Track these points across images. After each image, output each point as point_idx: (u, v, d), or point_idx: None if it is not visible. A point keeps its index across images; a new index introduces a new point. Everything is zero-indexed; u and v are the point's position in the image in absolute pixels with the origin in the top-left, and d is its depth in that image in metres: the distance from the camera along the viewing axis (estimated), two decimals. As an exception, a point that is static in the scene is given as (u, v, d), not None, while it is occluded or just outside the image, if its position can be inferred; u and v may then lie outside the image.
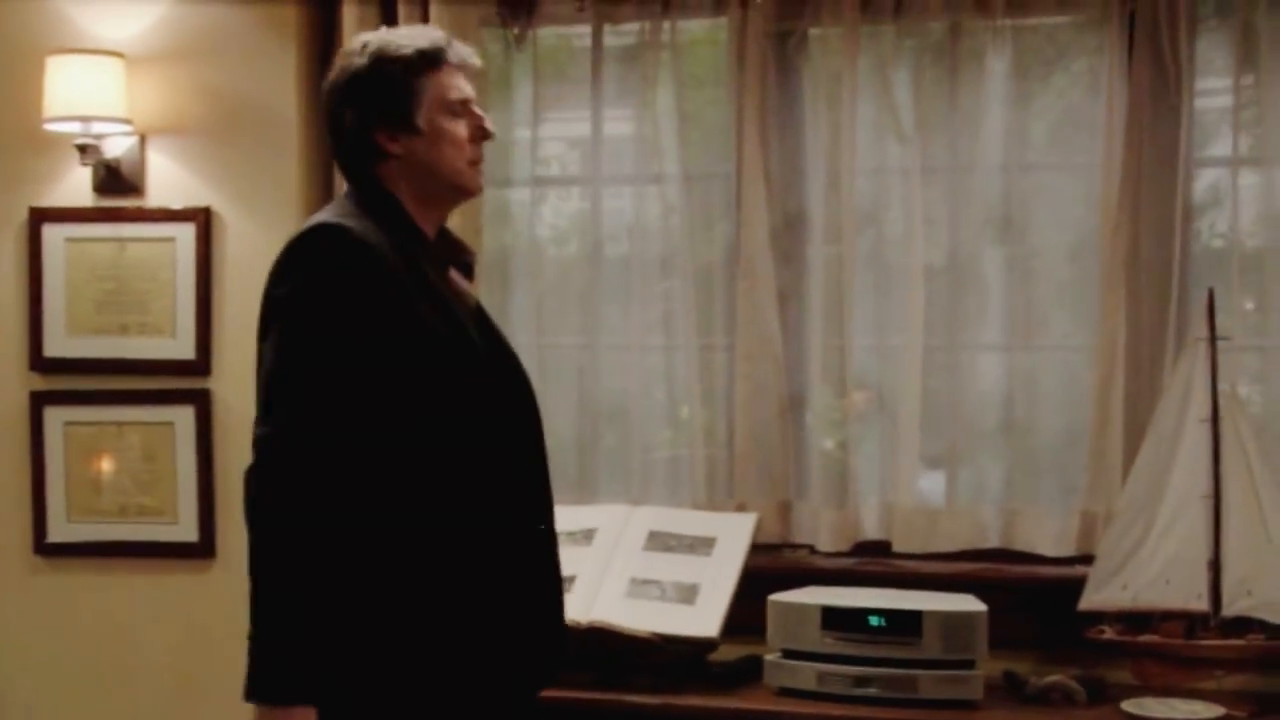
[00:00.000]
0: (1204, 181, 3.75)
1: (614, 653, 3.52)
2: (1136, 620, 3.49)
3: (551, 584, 2.69)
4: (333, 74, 2.69)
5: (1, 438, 4.30)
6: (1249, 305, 3.64)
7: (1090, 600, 3.55)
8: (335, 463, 2.40)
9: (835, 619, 3.45)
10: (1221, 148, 3.71)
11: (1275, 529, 3.36)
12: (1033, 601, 3.72)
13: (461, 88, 2.67)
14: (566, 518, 3.72)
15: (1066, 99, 3.88)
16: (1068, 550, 3.77)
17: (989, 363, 3.88)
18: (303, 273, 2.48)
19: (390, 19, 4.03)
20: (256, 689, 2.37)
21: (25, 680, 4.29)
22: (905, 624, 3.40)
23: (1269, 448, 3.54)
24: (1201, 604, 3.40)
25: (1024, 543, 3.84)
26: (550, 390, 4.09)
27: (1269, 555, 3.34)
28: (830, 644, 3.44)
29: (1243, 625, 3.38)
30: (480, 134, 2.69)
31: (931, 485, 3.93)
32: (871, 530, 3.95)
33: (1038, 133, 3.88)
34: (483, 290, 4.03)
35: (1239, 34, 3.65)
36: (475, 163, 2.69)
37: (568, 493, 4.03)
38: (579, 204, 4.22)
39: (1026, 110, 3.84)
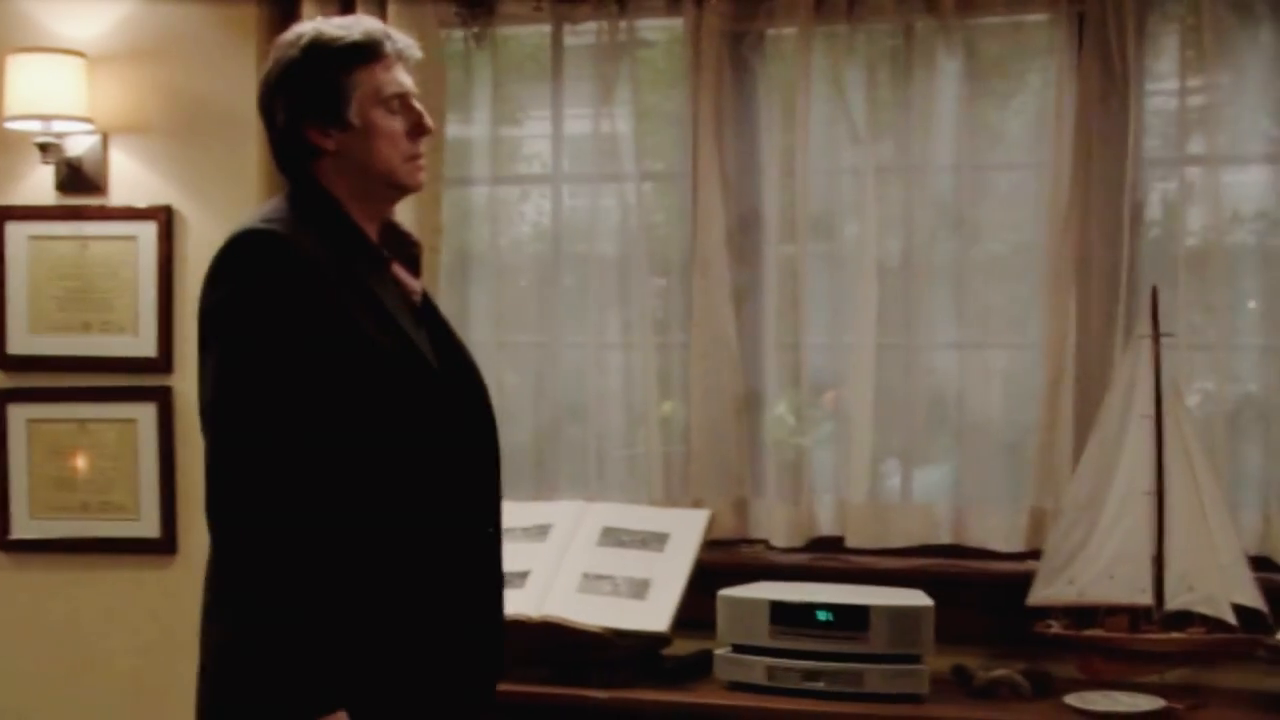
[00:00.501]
0: (1155, 181, 3.78)
1: (567, 648, 3.56)
2: (1083, 615, 3.53)
3: (494, 588, 2.70)
4: (266, 66, 2.62)
5: (-35, 435, 4.33)
6: (1196, 304, 3.68)
7: (1038, 595, 3.59)
8: (290, 474, 2.39)
9: (784, 614, 3.48)
10: (1171, 149, 3.74)
11: (1216, 525, 3.40)
12: (984, 597, 3.76)
13: (399, 81, 2.59)
14: (522, 514, 3.80)
15: (1018, 100, 3.91)
16: (1018, 546, 3.81)
17: (942, 361, 3.91)
18: (231, 284, 2.45)
19: (349, 19, 4.06)
20: (282, 708, 2.36)
21: (-11, 675, 4.33)
22: (852, 619, 3.43)
23: (1212, 444, 3.58)
24: (1145, 598, 3.44)
25: (976, 539, 3.88)
26: (510, 388, 4.14)
27: (1210, 550, 3.38)
28: (779, 639, 3.47)
29: (1186, 619, 3.42)
30: (418, 129, 2.61)
31: (885, 482, 3.96)
32: (826, 526, 3.99)
33: (989, 133, 3.91)
34: (443, 288, 4.09)
35: (1186, 35, 3.68)
36: (413, 158, 2.62)
37: (527, 489, 4.08)
38: (539, 202, 4.25)
39: (978, 111, 3.88)
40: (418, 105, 2.63)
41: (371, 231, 2.65)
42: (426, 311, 2.71)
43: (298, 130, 2.57)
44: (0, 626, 4.33)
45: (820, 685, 3.42)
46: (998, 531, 3.84)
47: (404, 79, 2.61)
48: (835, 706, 3.38)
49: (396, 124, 2.59)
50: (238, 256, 2.47)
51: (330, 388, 2.43)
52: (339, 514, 2.43)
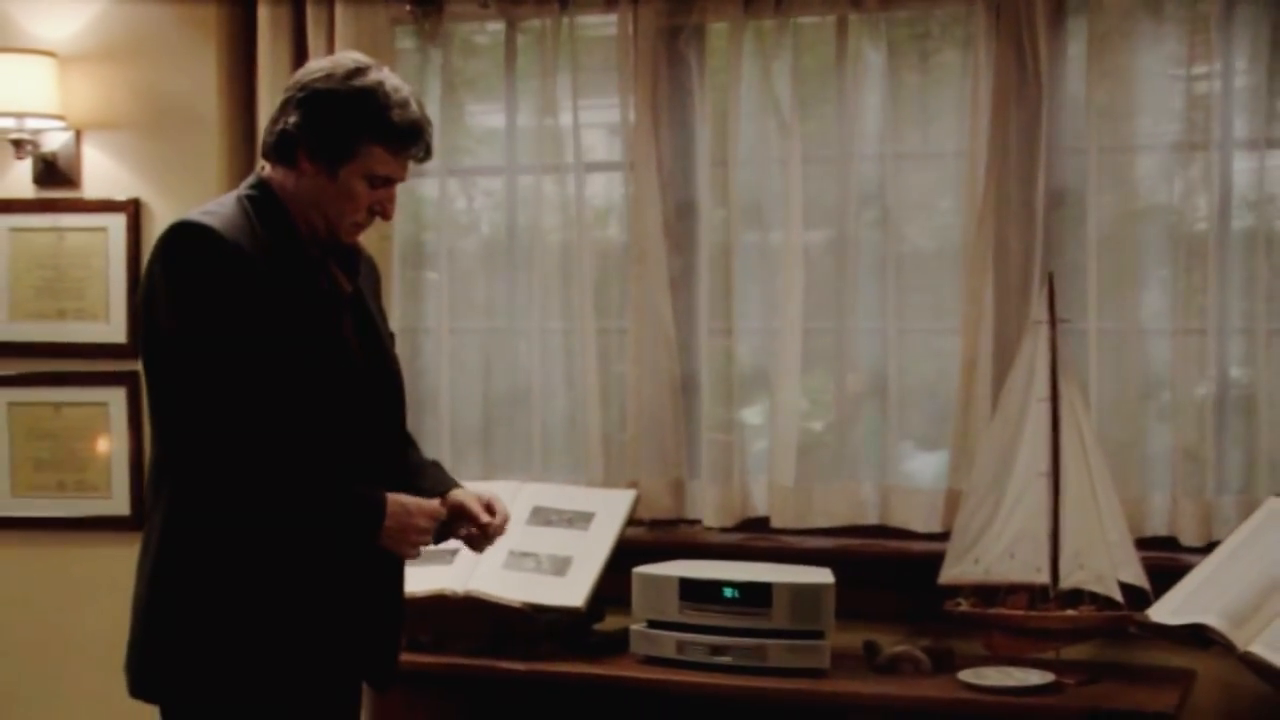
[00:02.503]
0: (1066, 168, 3.86)
1: (490, 622, 3.71)
2: (990, 593, 3.63)
3: (393, 566, 2.86)
4: (315, 71, 2.74)
5: (-50, 418, 4.57)
6: (1106, 289, 3.76)
7: (948, 574, 3.68)
8: (242, 450, 2.61)
9: (692, 591, 3.61)
10: (1082, 137, 3.81)
11: (1106, 506, 3.48)
12: (901, 576, 3.86)
13: (396, 170, 2.74)
14: (457, 494, 3.95)
15: (938, 90, 4.00)
16: (935, 527, 3.90)
17: (868, 345, 4.01)
18: (164, 271, 2.63)
19: (301, 19, 4.23)
20: None
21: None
22: (756, 596, 3.55)
23: (1105, 427, 3.67)
24: (1042, 577, 3.53)
25: (898, 519, 3.98)
26: (457, 373, 4.29)
27: (1099, 530, 3.46)
28: (688, 614, 3.60)
29: (1081, 597, 3.51)
30: (379, 213, 2.77)
31: (813, 464, 4.06)
32: (759, 507, 4.10)
33: (911, 122, 4.00)
34: (395, 276, 4.25)
35: (1094, 24, 3.76)
36: (360, 226, 2.78)
37: (474, 470, 4.24)
38: (486, 194, 4.40)
39: (900, 100, 3.96)
40: (393, 193, 2.78)
41: (313, 238, 2.77)
42: (356, 306, 2.84)
43: (293, 141, 2.71)
44: (-15, 600, 4.56)
45: (727, 659, 3.54)
46: (918, 513, 3.94)
47: (402, 170, 2.76)
48: (740, 680, 3.51)
49: (366, 196, 2.73)
50: (170, 246, 2.65)
51: (252, 366, 2.60)
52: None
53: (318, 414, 2.68)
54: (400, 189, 4.15)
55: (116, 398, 4.43)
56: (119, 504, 4.45)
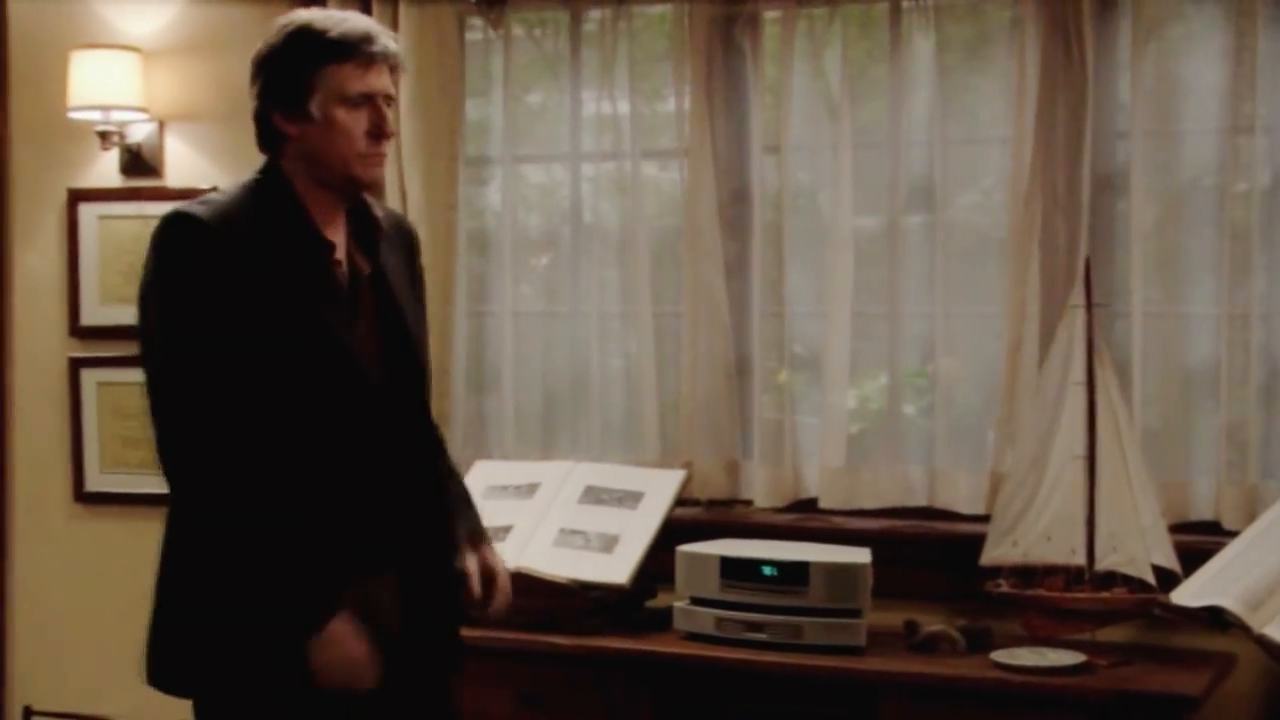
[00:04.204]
0: (1113, 154, 3.86)
1: (540, 596, 3.82)
2: (1028, 575, 3.66)
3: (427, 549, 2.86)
4: (257, 48, 2.78)
5: (45, 398, 4.80)
6: (1143, 272, 3.77)
7: (988, 556, 3.72)
8: (215, 437, 2.63)
9: (733, 569, 3.69)
10: (1125, 121, 3.82)
11: (1139, 489, 3.50)
12: (947, 557, 3.90)
13: (367, 82, 2.70)
14: (514, 473, 4.09)
15: (986, 76, 4.02)
16: (980, 508, 3.94)
17: (915, 329, 4.05)
18: (153, 261, 2.69)
19: (367, 12, 4.36)
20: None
21: (64, 617, 4.79)
22: (794, 575, 3.62)
23: (1150, 412, 3.68)
24: (1078, 559, 3.56)
25: (944, 501, 4.02)
26: (520, 355, 4.41)
27: (1133, 513, 3.48)
28: (728, 592, 3.68)
29: (1115, 580, 3.53)
30: (377, 131, 2.72)
31: (863, 446, 4.12)
32: (810, 489, 4.17)
33: (959, 109, 4.02)
34: (460, 261, 4.37)
35: (1137, 8, 3.76)
36: (368, 156, 2.73)
37: (533, 451, 4.36)
38: (547, 180, 4.51)
39: (949, 87, 3.99)
40: (383, 107, 2.74)
41: (329, 217, 2.78)
42: (377, 286, 2.84)
43: (268, 114, 2.75)
44: (75, 570, 4.78)
45: (763, 636, 3.62)
46: (962, 495, 3.97)
47: (376, 81, 2.72)
48: (777, 656, 3.58)
49: (356, 122, 2.71)
50: (160, 236, 2.71)
51: (233, 360, 2.64)
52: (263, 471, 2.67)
53: (310, 409, 2.68)
54: (464, 174, 4.35)
55: (198, 378, 4.62)
56: (200, 480, 4.63)
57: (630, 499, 3.99)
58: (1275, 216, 3.71)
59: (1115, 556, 3.50)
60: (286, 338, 2.67)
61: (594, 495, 4.03)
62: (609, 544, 3.89)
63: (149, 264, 2.71)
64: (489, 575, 2.95)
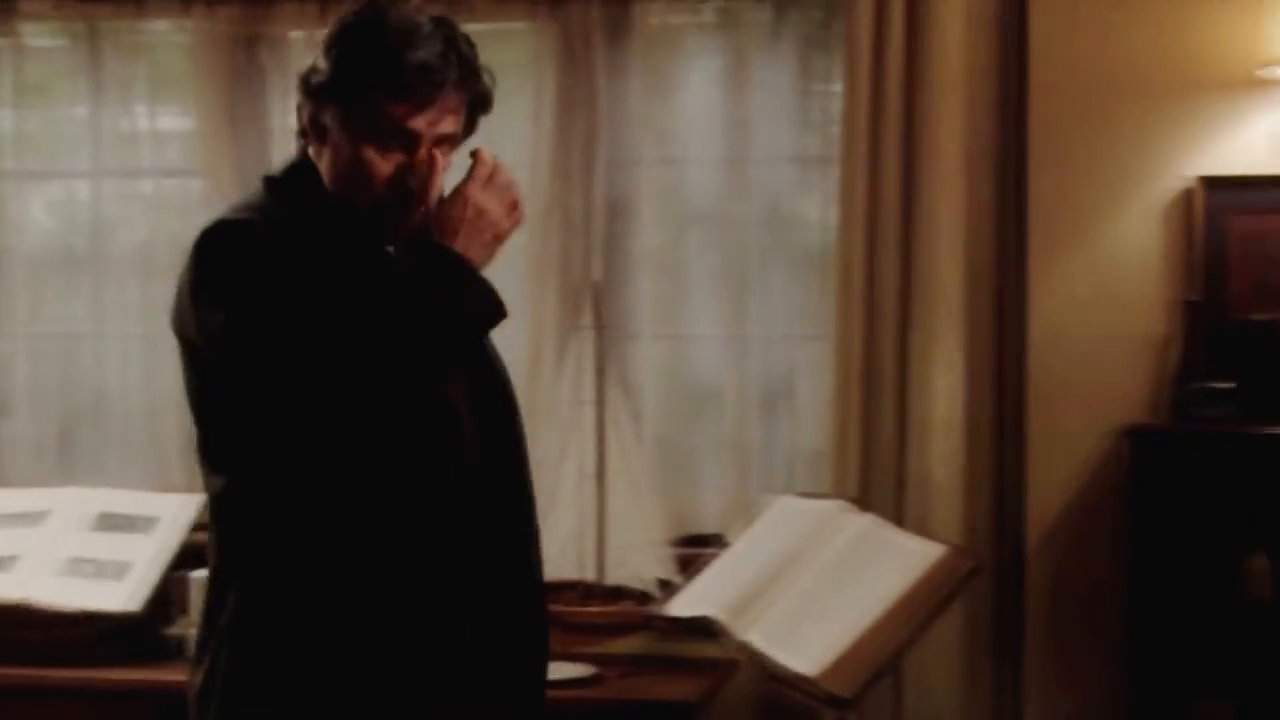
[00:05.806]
0: (625, 181, 4.01)
1: (47, 629, 3.68)
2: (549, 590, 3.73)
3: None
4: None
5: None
6: (658, 296, 3.92)
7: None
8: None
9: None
10: (634, 150, 3.98)
11: (647, 505, 3.64)
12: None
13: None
14: (20, 500, 3.94)
15: (511, 103, 4.10)
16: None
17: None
18: (207, 271, 2.30)
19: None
20: None
21: None
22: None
23: (658, 429, 3.84)
24: (588, 574, 3.67)
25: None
26: (37, 377, 4.24)
27: (641, 529, 3.62)
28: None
29: (626, 594, 3.66)
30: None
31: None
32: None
33: (483, 135, 4.07)
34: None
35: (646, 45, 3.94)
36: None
37: (50, 476, 4.19)
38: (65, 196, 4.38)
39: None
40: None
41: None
42: None
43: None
44: None
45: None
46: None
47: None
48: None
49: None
50: (205, 248, 2.32)
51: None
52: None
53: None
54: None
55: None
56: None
57: (145, 524, 3.89)
58: (772, 244, 3.92)
59: (623, 570, 3.62)
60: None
61: (108, 522, 3.91)
62: (121, 571, 3.78)
63: (206, 269, 2.31)
64: None
